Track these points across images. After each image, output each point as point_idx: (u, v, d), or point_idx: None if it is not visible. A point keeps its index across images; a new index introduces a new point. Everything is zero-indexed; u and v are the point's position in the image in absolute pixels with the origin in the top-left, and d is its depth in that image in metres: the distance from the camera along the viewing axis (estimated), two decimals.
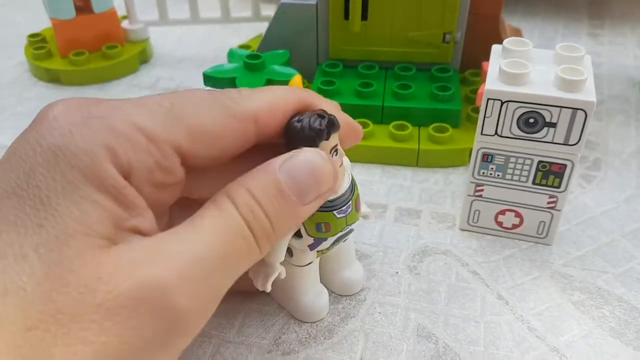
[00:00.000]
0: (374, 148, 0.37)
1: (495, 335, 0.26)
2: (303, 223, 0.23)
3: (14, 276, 0.16)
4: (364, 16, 0.38)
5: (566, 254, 0.30)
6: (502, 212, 0.30)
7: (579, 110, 0.26)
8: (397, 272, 0.29)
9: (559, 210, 0.29)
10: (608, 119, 0.41)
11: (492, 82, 0.27)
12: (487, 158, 0.28)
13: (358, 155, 0.36)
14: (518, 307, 0.27)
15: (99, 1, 0.46)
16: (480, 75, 0.40)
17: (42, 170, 0.17)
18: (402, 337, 0.26)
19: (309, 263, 0.25)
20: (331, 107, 0.23)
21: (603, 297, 0.28)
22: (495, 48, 0.29)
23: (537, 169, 0.28)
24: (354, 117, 0.37)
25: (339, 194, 0.23)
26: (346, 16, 0.39)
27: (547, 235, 0.30)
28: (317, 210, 0.22)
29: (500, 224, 0.31)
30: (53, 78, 0.46)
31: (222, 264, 0.18)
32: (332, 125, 0.22)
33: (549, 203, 0.29)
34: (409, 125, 0.37)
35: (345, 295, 0.28)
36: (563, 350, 0.25)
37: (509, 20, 0.54)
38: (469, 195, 0.30)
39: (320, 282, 0.27)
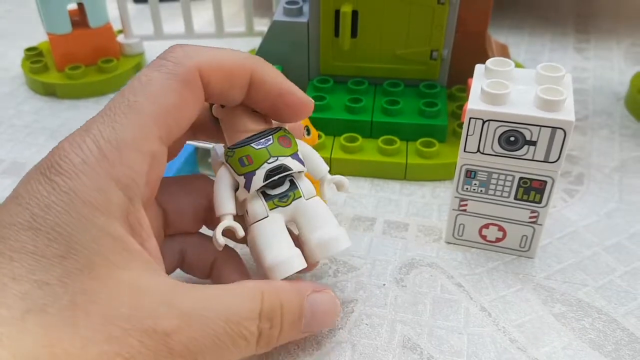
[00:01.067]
0: (363, 162, 0.38)
1: (477, 346, 0.27)
2: (231, 165, 0.25)
3: (37, 299, 0.17)
4: (354, 34, 0.39)
5: (548, 267, 0.31)
6: (486, 226, 0.31)
7: (558, 129, 0.27)
8: (384, 284, 0.30)
9: (540, 225, 0.30)
10: (592, 133, 0.42)
11: (474, 102, 0.28)
12: (470, 174, 0.29)
13: (347, 169, 0.37)
14: (501, 319, 0.28)
15: (95, 16, 0.47)
16: (466, 91, 0.41)
17: (58, 208, 0.19)
18: (388, 349, 0.27)
19: (265, 217, 0.25)
20: (277, 74, 0.25)
21: (583, 309, 0.29)
22: (479, 68, 0.30)
23: (519, 185, 0.29)
24: (344, 132, 0.38)
25: (256, 132, 0.25)
26: (336, 34, 0.40)
27: (529, 248, 0.31)
28: (236, 148, 0.24)
29: (484, 237, 0.32)
30: (49, 91, 0.47)
31: (214, 346, 0.20)
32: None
33: (530, 218, 0.30)
34: (397, 140, 0.38)
35: (326, 259, 0.27)
36: None
37: (496, 34, 0.55)
38: (453, 209, 0.31)
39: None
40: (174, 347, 0.19)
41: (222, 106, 0.25)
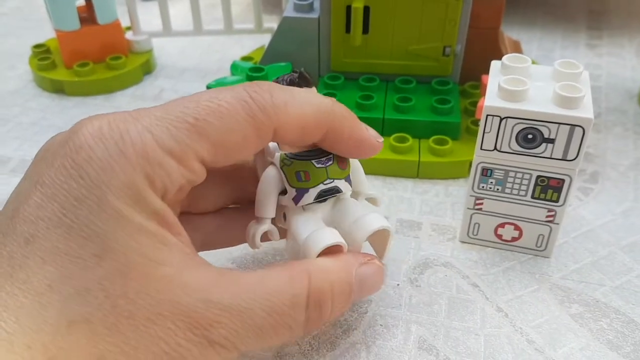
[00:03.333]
0: (375, 160, 0.37)
1: (494, 348, 0.27)
2: (285, 173, 0.24)
3: (78, 308, 0.17)
4: (365, 30, 0.39)
5: (564, 266, 0.31)
6: (502, 225, 0.31)
7: (576, 127, 0.26)
8: (398, 284, 0.30)
9: (557, 224, 0.30)
10: (606, 131, 0.42)
11: (492, 99, 0.27)
12: (486, 172, 0.29)
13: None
14: (517, 320, 0.28)
15: (103, 12, 0.46)
16: (480, 88, 0.40)
17: (90, 203, 0.17)
18: (403, 350, 0.27)
19: None
20: (353, 123, 0.24)
21: (601, 309, 0.28)
22: (495, 64, 0.30)
23: (536, 184, 0.29)
24: None
25: (318, 147, 0.25)
26: (347, 30, 0.39)
27: (545, 248, 0.31)
28: (295, 159, 0.24)
29: (499, 236, 0.31)
30: (57, 88, 0.47)
31: (256, 336, 0.20)
32: (303, 79, 0.24)
33: (547, 217, 0.29)
34: (409, 137, 0.37)
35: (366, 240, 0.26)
36: None
37: (508, 31, 0.55)
38: (468, 208, 0.31)
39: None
40: (216, 340, 0.19)
41: None
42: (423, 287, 0.30)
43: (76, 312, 0.17)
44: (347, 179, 0.25)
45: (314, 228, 0.24)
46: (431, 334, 0.27)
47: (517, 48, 0.45)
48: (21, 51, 0.53)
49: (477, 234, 0.31)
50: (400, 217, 0.34)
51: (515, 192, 0.29)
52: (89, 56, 0.47)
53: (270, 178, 0.24)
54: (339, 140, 0.24)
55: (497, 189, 0.29)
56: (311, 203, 0.25)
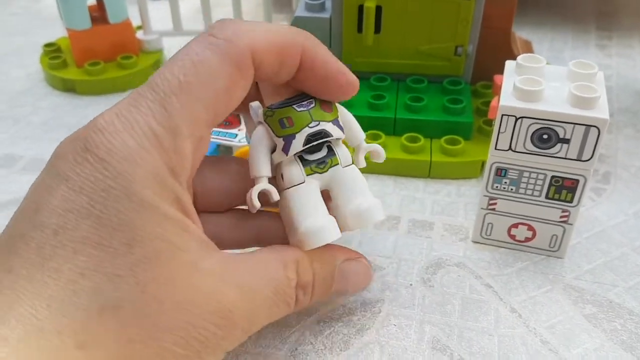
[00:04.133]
0: (387, 160, 0.36)
1: (508, 348, 0.27)
2: (270, 125, 0.24)
3: (109, 294, 0.17)
4: (377, 29, 0.39)
5: (577, 267, 0.31)
6: (515, 226, 0.31)
7: (592, 127, 0.26)
8: (411, 284, 0.30)
9: (571, 224, 0.30)
10: (617, 132, 0.42)
11: (507, 99, 0.27)
12: (500, 172, 0.29)
13: (370, 167, 0.37)
14: (531, 320, 0.28)
15: (115, 12, 0.46)
16: (492, 88, 0.40)
17: (117, 193, 0.18)
18: (417, 350, 0.26)
19: (301, 183, 0.25)
20: (326, 53, 0.24)
21: (614, 310, 0.28)
22: (509, 64, 0.30)
23: (550, 184, 0.28)
24: (367, 129, 0.38)
25: (297, 93, 0.24)
26: (359, 29, 0.39)
27: (559, 248, 0.31)
28: (276, 108, 0.24)
29: (513, 237, 0.31)
30: (68, 87, 0.47)
31: (265, 313, 0.22)
32: None
33: (561, 217, 0.29)
34: (421, 137, 0.37)
35: (360, 229, 0.28)
36: None
37: (518, 32, 0.54)
38: (482, 208, 0.31)
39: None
40: (238, 321, 0.20)
41: None
42: (436, 287, 0.30)
43: (107, 298, 0.17)
44: (335, 122, 0.25)
45: (312, 210, 0.24)
46: (445, 334, 0.27)
47: (528, 48, 0.45)
48: (32, 50, 0.53)
49: (490, 234, 0.31)
50: (412, 217, 0.34)
51: (529, 192, 0.29)
52: (100, 55, 0.47)
53: (258, 135, 0.24)
54: (316, 68, 0.23)
55: (511, 189, 0.29)
56: (302, 150, 0.24)
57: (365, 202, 0.25)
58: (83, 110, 0.45)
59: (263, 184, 0.24)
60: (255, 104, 0.24)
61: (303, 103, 0.24)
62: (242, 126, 0.39)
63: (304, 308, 0.25)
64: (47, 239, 0.17)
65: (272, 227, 0.27)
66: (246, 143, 0.37)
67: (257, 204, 0.24)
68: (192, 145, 0.20)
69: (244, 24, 0.21)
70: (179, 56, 0.20)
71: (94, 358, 0.16)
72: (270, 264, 0.23)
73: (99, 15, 0.47)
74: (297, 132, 0.24)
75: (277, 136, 0.24)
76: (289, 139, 0.24)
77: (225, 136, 0.37)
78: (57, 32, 0.54)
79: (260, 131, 0.24)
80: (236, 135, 0.38)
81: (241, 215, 0.28)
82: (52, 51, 0.49)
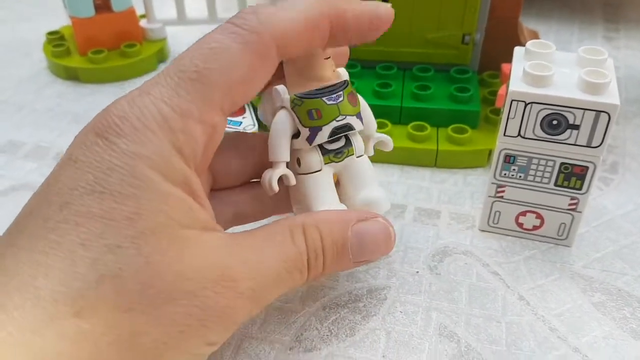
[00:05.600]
0: (393, 149, 0.36)
1: (516, 335, 0.26)
2: (297, 114, 0.24)
3: (109, 263, 0.17)
4: None
5: (586, 255, 0.30)
6: (523, 214, 0.30)
7: (602, 113, 0.26)
8: (417, 272, 0.30)
9: (579, 212, 0.29)
10: (625, 122, 0.41)
11: (516, 84, 0.27)
12: (509, 159, 0.29)
13: (376, 155, 0.36)
14: (539, 308, 0.28)
15: (118, 0, 0.46)
16: (500, 76, 0.40)
17: (122, 171, 0.18)
18: (423, 336, 0.26)
19: (318, 170, 0.25)
20: (358, 4, 0.23)
21: (623, 298, 0.28)
22: (518, 50, 0.30)
23: (560, 171, 0.28)
24: None
25: (327, 84, 0.24)
26: None
27: (567, 236, 0.30)
28: (306, 98, 0.24)
29: (520, 225, 0.31)
30: (71, 75, 0.47)
31: (275, 284, 0.22)
32: None
33: (570, 205, 0.29)
34: (427, 126, 0.37)
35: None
36: (585, 350, 0.26)
37: (525, 23, 0.54)
38: (489, 196, 0.30)
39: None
40: (244, 291, 0.20)
41: None
42: (443, 274, 0.29)
43: (107, 268, 0.17)
44: (359, 116, 0.25)
45: (328, 199, 0.25)
46: (452, 321, 0.27)
47: (535, 38, 0.44)
48: (35, 38, 0.53)
49: (497, 223, 0.31)
50: (418, 205, 0.34)
51: (538, 179, 0.29)
52: (104, 43, 0.47)
53: (282, 120, 0.24)
54: (348, 29, 0.22)
55: (520, 176, 0.29)
56: (325, 142, 0.25)
57: (373, 192, 0.26)
58: (86, 98, 0.45)
59: (282, 169, 0.24)
60: (281, 88, 0.24)
61: (332, 96, 0.24)
62: (247, 114, 0.39)
63: (318, 276, 0.23)
64: (53, 214, 0.18)
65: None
66: (253, 128, 0.37)
67: (276, 188, 0.24)
68: (204, 130, 0.20)
69: (267, 11, 0.21)
70: (199, 44, 0.20)
71: (92, 325, 0.16)
72: (277, 232, 0.22)
73: (102, 3, 0.46)
74: (324, 125, 0.24)
75: (303, 126, 0.24)
76: (315, 130, 0.24)
77: (230, 124, 0.37)
78: (60, 21, 0.53)
79: (284, 116, 0.24)
80: (240, 123, 0.37)
81: (261, 188, 0.28)
82: (55, 39, 0.49)
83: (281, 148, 0.24)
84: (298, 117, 0.24)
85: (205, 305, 0.18)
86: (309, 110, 0.24)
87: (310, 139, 0.24)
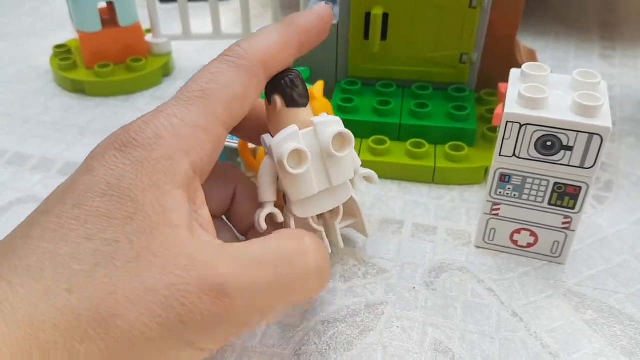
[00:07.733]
0: (391, 165, 0.38)
1: (509, 351, 0.27)
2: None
3: (105, 255, 0.19)
4: (384, 36, 0.40)
5: (579, 273, 0.31)
6: (518, 231, 0.31)
7: (595, 135, 0.27)
8: (414, 288, 0.30)
9: (573, 231, 0.30)
10: (620, 140, 0.42)
11: (512, 106, 0.28)
12: (504, 178, 0.29)
13: (375, 172, 0.37)
14: (532, 324, 0.28)
15: (125, 15, 0.47)
16: (497, 95, 0.41)
17: (131, 176, 0.20)
18: (419, 351, 0.27)
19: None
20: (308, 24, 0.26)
21: (615, 316, 0.29)
22: (514, 72, 0.30)
23: (553, 190, 0.29)
24: (372, 134, 0.39)
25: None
26: (366, 36, 0.40)
27: (560, 254, 0.31)
28: None
29: (515, 242, 0.32)
30: (78, 88, 0.48)
31: (266, 290, 0.22)
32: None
33: (563, 223, 0.30)
34: (425, 143, 0.38)
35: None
36: None
37: (522, 41, 0.55)
38: (485, 213, 0.31)
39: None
40: (230, 292, 0.20)
41: (269, 102, 0.26)
42: (439, 290, 0.30)
43: (103, 258, 0.19)
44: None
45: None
46: (447, 337, 0.28)
47: (532, 57, 0.45)
48: (42, 51, 0.54)
49: (492, 239, 0.32)
50: (415, 221, 0.35)
51: (532, 198, 0.30)
52: (110, 57, 0.48)
53: (266, 166, 0.26)
54: (311, 40, 0.26)
55: (515, 195, 0.30)
56: None
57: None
58: (92, 111, 0.46)
59: (269, 209, 0.27)
60: (266, 136, 0.26)
61: None
62: None
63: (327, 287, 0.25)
64: (66, 211, 0.20)
65: None
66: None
67: (264, 226, 0.26)
68: (210, 139, 0.22)
69: (251, 41, 0.25)
70: (201, 71, 0.24)
71: (80, 302, 0.18)
72: (276, 237, 0.23)
73: (109, 18, 0.47)
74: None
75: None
76: None
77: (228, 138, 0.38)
78: (67, 34, 0.54)
79: (267, 162, 0.26)
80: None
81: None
82: (62, 52, 0.50)
83: (267, 191, 0.27)
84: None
85: (187, 302, 0.19)
86: None
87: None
